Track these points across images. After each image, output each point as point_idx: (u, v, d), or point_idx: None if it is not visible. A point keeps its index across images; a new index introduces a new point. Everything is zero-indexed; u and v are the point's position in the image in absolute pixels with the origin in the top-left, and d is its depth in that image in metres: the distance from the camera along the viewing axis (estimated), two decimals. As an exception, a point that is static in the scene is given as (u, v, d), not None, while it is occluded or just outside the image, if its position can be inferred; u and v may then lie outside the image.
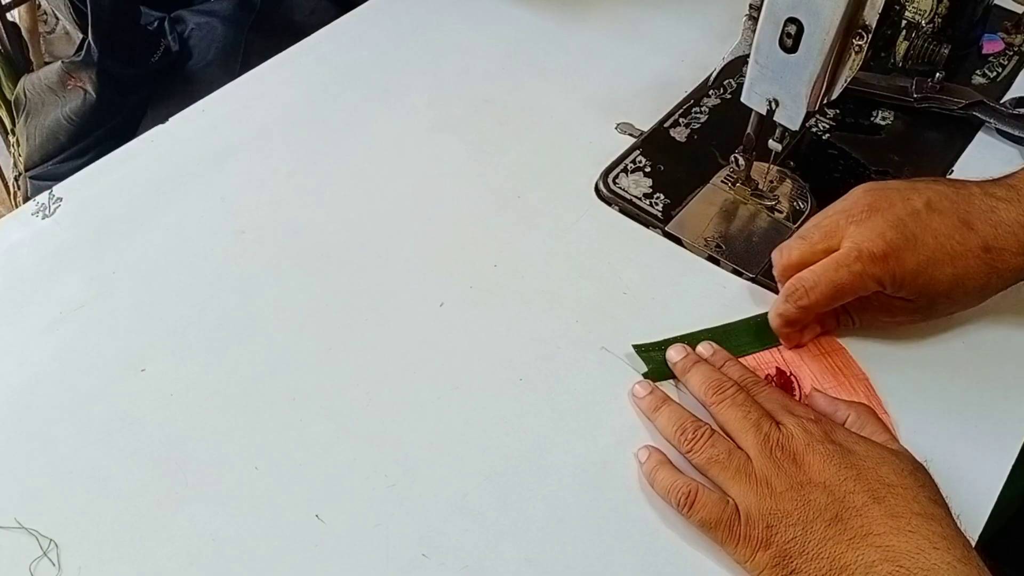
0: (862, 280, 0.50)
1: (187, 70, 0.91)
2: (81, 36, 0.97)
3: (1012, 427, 0.52)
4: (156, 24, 0.95)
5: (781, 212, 0.63)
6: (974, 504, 0.47)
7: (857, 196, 0.53)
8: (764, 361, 0.54)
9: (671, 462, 0.48)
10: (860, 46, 0.52)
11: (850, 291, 0.51)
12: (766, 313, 0.55)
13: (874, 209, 0.51)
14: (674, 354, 0.54)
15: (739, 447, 0.47)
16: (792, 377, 0.53)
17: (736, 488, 0.45)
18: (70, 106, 0.93)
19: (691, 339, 0.55)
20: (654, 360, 0.54)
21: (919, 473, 0.44)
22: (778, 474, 0.45)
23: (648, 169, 0.66)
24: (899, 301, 0.52)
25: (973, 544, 0.43)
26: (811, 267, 0.52)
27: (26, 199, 1.13)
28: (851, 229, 0.51)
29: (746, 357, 0.54)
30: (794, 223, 0.62)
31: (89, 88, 0.91)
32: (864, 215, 0.51)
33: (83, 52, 0.92)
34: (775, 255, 0.55)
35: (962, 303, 0.53)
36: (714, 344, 0.54)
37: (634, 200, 0.64)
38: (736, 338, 0.55)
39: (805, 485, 0.44)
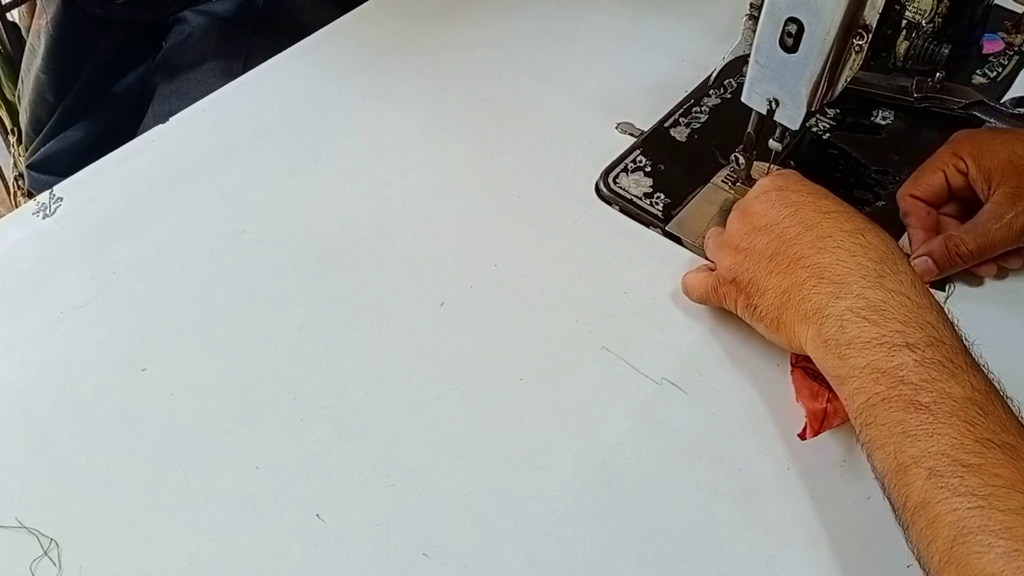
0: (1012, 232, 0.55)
1: (188, 70, 0.91)
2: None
3: None
4: None
5: (781, 212, 0.63)
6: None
7: (960, 142, 0.60)
8: None
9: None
10: (860, 46, 0.52)
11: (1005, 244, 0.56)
12: None
13: (980, 144, 0.58)
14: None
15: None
16: None
17: (717, 258, 0.54)
18: (41, 54, 0.90)
19: None
20: None
21: (852, 209, 0.49)
22: (735, 233, 0.52)
23: (648, 169, 0.66)
24: (996, 194, 0.56)
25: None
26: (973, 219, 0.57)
27: (29, 195, 1.13)
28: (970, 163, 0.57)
29: None
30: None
31: (50, 25, 0.88)
32: (978, 151, 0.57)
33: None
34: (898, 195, 0.61)
35: None
36: None
37: (634, 200, 0.64)
38: None
39: (751, 232, 0.51)
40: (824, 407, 0.51)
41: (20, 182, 1.14)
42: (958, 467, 0.39)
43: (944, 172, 0.59)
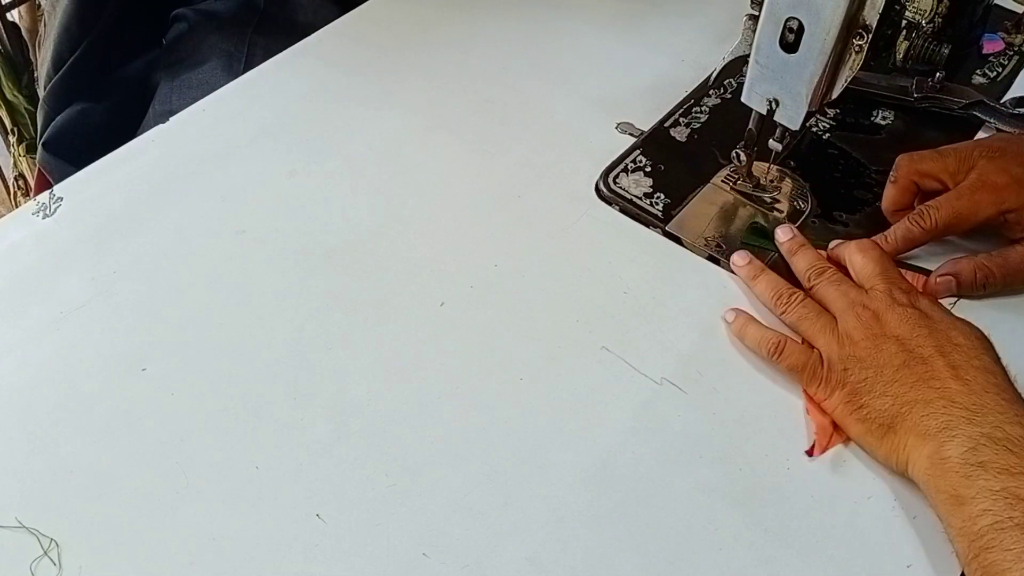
0: (981, 207, 0.56)
1: (188, 69, 0.91)
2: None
3: None
4: None
5: (781, 212, 0.63)
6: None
7: (993, 138, 0.62)
8: None
9: (758, 320, 0.55)
10: (860, 46, 0.52)
11: (969, 218, 0.57)
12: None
13: (1006, 151, 0.58)
14: (781, 235, 0.60)
15: (829, 311, 0.54)
16: None
17: (821, 340, 0.52)
18: None
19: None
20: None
21: (984, 340, 0.50)
22: (858, 327, 0.51)
23: (648, 169, 0.66)
24: None
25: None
26: (937, 197, 0.58)
27: (28, 194, 1.13)
28: (981, 163, 0.57)
29: None
30: (794, 223, 0.62)
31: None
32: (997, 153, 0.57)
33: None
34: (903, 160, 0.60)
35: None
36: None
37: (634, 200, 0.64)
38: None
39: (880, 336, 0.50)
40: (833, 422, 0.51)
41: (20, 182, 1.15)
42: None
43: (981, 218, 0.57)
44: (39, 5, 1.07)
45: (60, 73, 0.92)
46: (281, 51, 0.77)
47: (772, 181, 0.64)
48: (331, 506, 0.48)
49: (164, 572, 0.45)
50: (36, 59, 1.06)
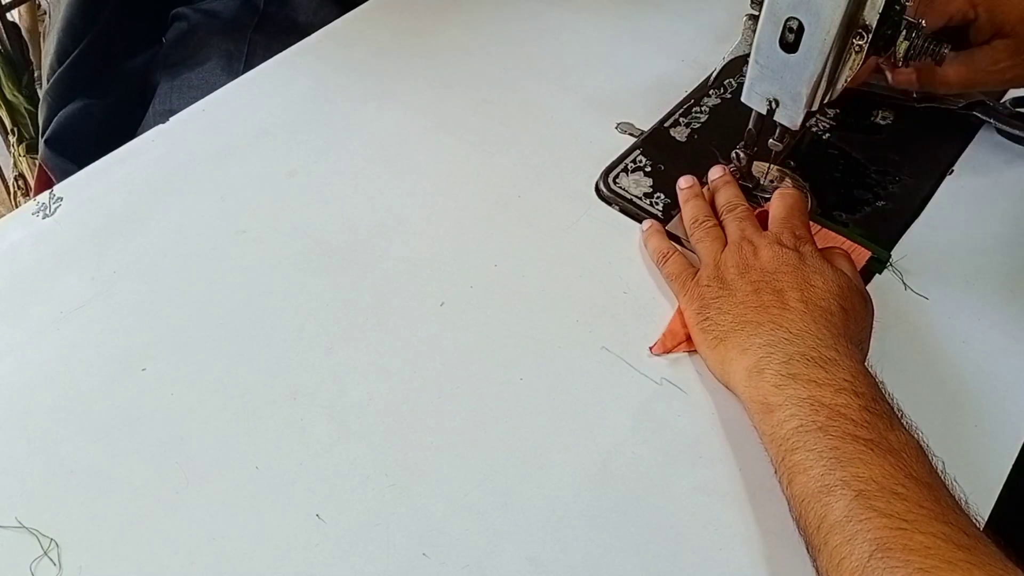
0: (952, 2, 0.58)
1: (188, 69, 0.91)
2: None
3: (1012, 427, 0.52)
4: None
5: (781, 212, 0.63)
6: (973, 505, 0.47)
7: None
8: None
9: (665, 232, 0.61)
10: (860, 46, 0.52)
11: (941, 14, 0.58)
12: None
13: None
14: (713, 172, 0.63)
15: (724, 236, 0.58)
16: None
17: (704, 260, 0.57)
18: None
19: None
20: None
21: (848, 296, 0.52)
22: (735, 257, 0.55)
23: (648, 169, 0.66)
24: (1000, 41, 0.58)
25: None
26: None
27: (27, 192, 1.13)
28: None
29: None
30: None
31: None
32: None
33: None
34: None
35: None
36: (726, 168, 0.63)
37: (634, 200, 0.64)
38: None
39: (749, 268, 0.54)
40: (688, 334, 0.55)
41: (20, 182, 1.15)
42: (887, 493, 0.40)
43: (952, 12, 0.59)
44: (39, 5, 1.07)
45: (63, 67, 0.92)
46: (281, 51, 0.77)
47: (772, 181, 0.64)
48: (331, 506, 0.48)
49: (164, 572, 0.45)
50: (36, 59, 1.06)
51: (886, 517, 0.39)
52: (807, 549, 0.43)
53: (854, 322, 0.51)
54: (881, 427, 0.44)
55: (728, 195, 0.61)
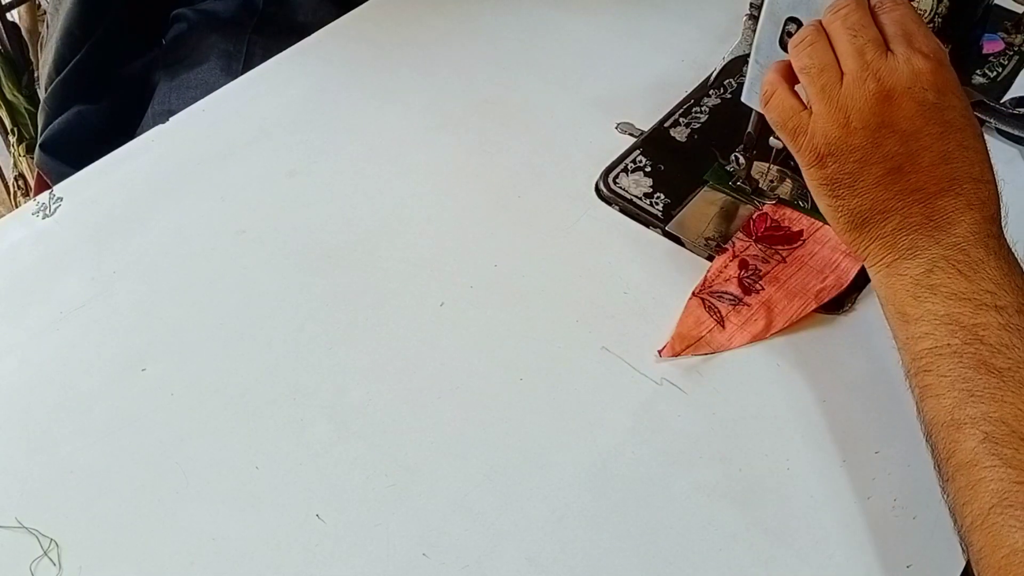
0: None
1: (188, 69, 0.91)
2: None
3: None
4: None
5: (781, 212, 0.63)
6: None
7: None
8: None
9: (785, 72, 0.49)
10: (860, 46, 0.52)
11: None
12: None
13: None
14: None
15: (839, 67, 0.46)
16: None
17: (817, 106, 0.46)
18: None
19: None
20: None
21: (985, 148, 0.45)
22: (861, 108, 0.44)
23: (648, 169, 0.66)
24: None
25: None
26: None
27: (28, 193, 1.12)
28: None
29: None
30: (794, 223, 0.62)
31: None
32: None
33: None
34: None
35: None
36: None
37: (634, 200, 0.64)
38: None
39: (884, 127, 0.44)
40: (700, 336, 0.54)
41: (20, 182, 1.14)
42: (1016, 439, 0.38)
43: None
44: (39, 5, 1.07)
45: (61, 75, 0.92)
46: (281, 51, 0.77)
47: (772, 182, 0.64)
48: (331, 506, 0.48)
49: (164, 572, 0.45)
50: (36, 59, 1.06)
51: (1011, 468, 0.38)
52: (936, 471, 0.42)
53: (995, 182, 0.45)
54: (1021, 349, 0.40)
55: None
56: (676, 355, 0.54)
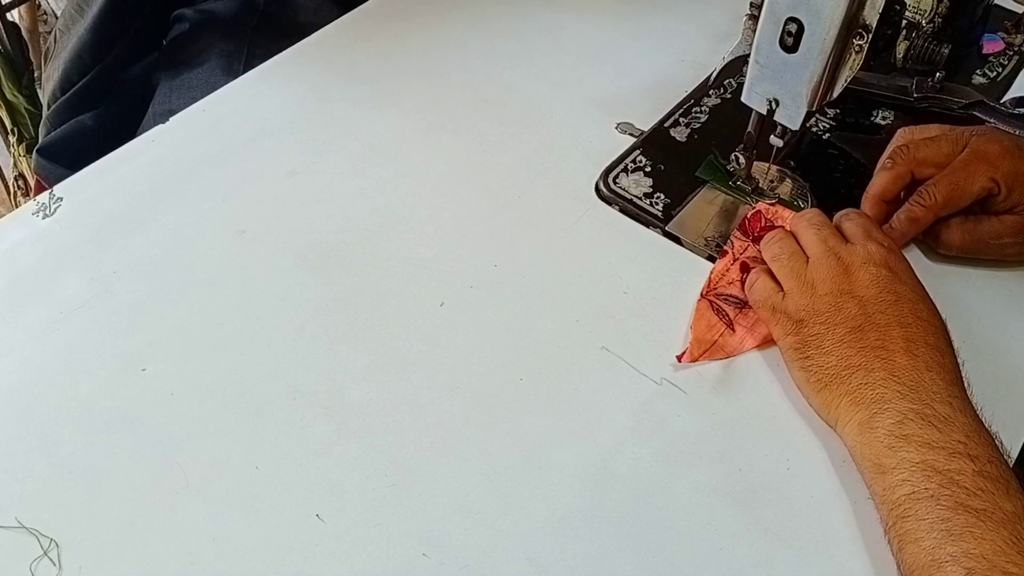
0: (976, 177, 0.56)
1: (188, 69, 0.91)
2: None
3: (1012, 427, 0.52)
4: None
5: (781, 212, 0.63)
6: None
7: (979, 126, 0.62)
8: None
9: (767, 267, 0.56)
10: (860, 46, 0.52)
11: (966, 188, 0.56)
12: None
13: (996, 128, 0.61)
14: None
15: (805, 254, 0.54)
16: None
17: (787, 284, 0.53)
18: (93, 14, 0.90)
19: None
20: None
21: (943, 325, 0.50)
22: (825, 279, 0.51)
23: (648, 169, 0.66)
24: (1009, 218, 0.57)
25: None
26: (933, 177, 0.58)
27: (28, 193, 1.12)
28: (973, 140, 0.58)
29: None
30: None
31: None
32: (986, 130, 0.59)
33: None
34: (902, 149, 0.59)
35: None
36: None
37: (634, 200, 0.64)
38: None
39: (844, 293, 0.50)
40: (715, 340, 0.54)
41: (20, 182, 1.14)
42: (997, 572, 0.39)
43: (977, 192, 0.57)
44: (39, 5, 1.07)
45: (67, 95, 0.93)
46: (281, 51, 0.77)
47: (772, 181, 0.64)
48: (331, 506, 0.48)
49: (164, 572, 0.45)
50: (36, 59, 1.06)
51: None
52: None
53: (954, 353, 0.49)
54: (995, 494, 0.42)
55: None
56: (695, 360, 0.54)
